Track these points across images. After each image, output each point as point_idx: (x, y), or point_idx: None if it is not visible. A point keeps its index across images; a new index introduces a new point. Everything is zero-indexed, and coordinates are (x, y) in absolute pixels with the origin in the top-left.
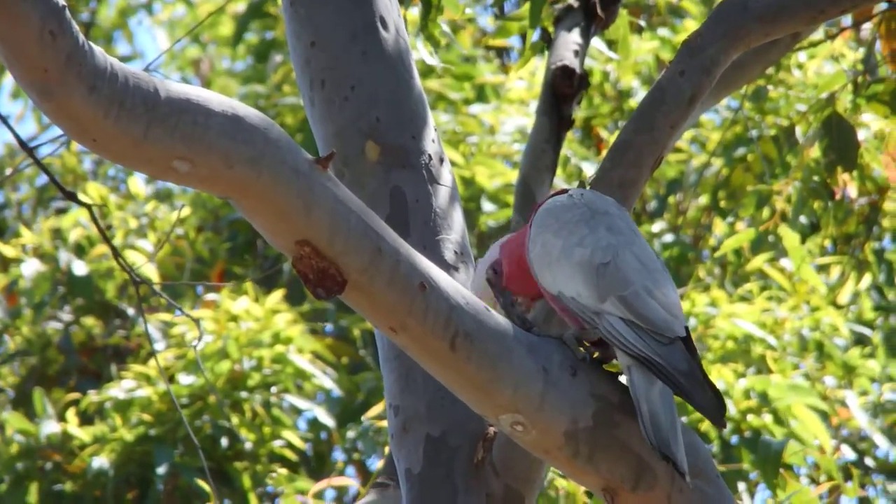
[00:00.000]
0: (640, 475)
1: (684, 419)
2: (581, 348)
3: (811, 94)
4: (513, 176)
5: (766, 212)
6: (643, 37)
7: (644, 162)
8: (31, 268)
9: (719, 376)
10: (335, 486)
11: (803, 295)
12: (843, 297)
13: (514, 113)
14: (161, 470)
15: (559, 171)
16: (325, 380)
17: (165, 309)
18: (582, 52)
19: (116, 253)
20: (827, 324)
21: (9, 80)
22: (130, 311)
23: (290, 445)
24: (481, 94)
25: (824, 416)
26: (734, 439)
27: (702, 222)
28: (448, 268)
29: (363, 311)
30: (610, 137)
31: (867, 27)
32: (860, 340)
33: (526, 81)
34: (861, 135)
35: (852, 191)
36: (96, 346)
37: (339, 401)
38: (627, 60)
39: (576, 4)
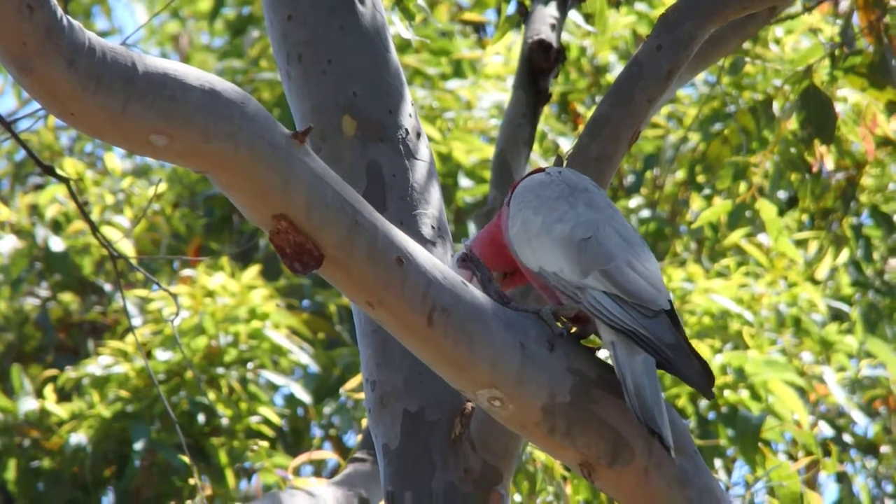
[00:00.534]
0: (617, 450)
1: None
2: (558, 323)
3: (788, 69)
4: (490, 151)
5: (742, 186)
6: (620, 11)
7: (621, 136)
8: (8, 244)
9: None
10: (313, 461)
11: (780, 270)
12: (821, 272)
13: (491, 88)
14: (138, 446)
15: (536, 146)
16: (302, 355)
17: (142, 285)
18: (559, 26)
19: (94, 228)
20: (804, 299)
21: None
22: (107, 287)
23: (266, 421)
24: (458, 70)
25: (802, 392)
26: (711, 415)
27: (679, 197)
28: (425, 242)
29: (340, 285)
30: (587, 113)
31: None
32: (838, 316)
33: (503, 56)
34: (838, 108)
35: (830, 163)
36: (73, 322)
37: (316, 376)
38: (604, 35)
39: None
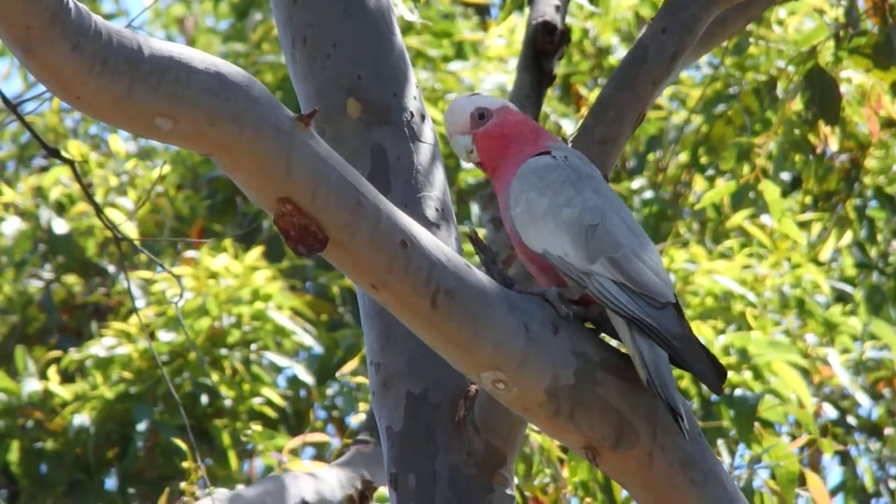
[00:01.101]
0: (621, 433)
1: None
2: (563, 305)
3: (792, 50)
4: None
5: (746, 167)
6: None
7: (626, 119)
8: (12, 226)
9: (699, 333)
10: (313, 443)
11: (784, 252)
12: (825, 254)
13: (494, 70)
14: (141, 427)
15: None
16: (306, 337)
17: (146, 266)
18: (563, 8)
19: (99, 210)
20: (808, 281)
21: None
22: (111, 269)
23: (269, 403)
24: (460, 52)
25: (805, 373)
26: (714, 396)
27: (682, 179)
28: (429, 225)
29: (344, 267)
30: (589, 95)
31: None
32: (841, 298)
33: (505, 39)
34: (842, 89)
35: (834, 145)
36: (77, 303)
37: (318, 358)
38: (608, 16)
39: None
